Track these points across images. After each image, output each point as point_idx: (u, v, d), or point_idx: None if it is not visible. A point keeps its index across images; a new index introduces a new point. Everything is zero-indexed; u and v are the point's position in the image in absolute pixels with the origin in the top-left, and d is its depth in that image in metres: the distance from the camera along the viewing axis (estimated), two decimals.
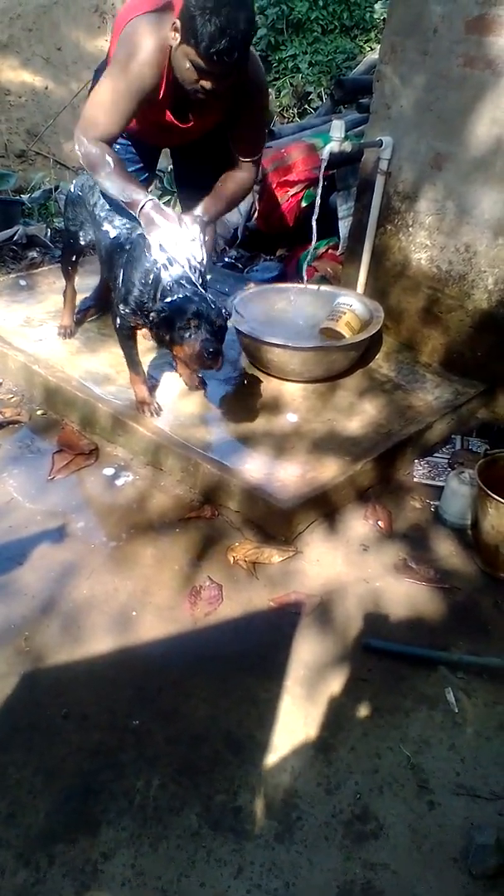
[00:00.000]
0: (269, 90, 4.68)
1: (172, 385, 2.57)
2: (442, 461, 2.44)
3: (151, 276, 2.10)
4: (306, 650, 1.75)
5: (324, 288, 2.95)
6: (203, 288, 2.09)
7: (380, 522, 2.16)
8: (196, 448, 2.25)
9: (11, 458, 2.33)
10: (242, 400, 2.57)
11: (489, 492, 1.92)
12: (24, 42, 5.97)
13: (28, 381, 2.62)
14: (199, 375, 2.54)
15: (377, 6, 6.66)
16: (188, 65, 1.99)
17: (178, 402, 2.50)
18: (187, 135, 2.38)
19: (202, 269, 2.14)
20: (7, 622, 1.76)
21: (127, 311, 2.19)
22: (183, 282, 2.06)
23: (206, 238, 2.22)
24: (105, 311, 2.87)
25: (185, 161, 2.70)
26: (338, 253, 3.51)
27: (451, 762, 1.53)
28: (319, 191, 2.74)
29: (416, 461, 2.42)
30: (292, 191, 3.74)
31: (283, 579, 1.94)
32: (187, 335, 2.00)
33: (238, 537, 2.06)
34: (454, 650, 1.78)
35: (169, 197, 4.31)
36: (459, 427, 2.57)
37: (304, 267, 3.10)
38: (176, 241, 2.08)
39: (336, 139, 2.55)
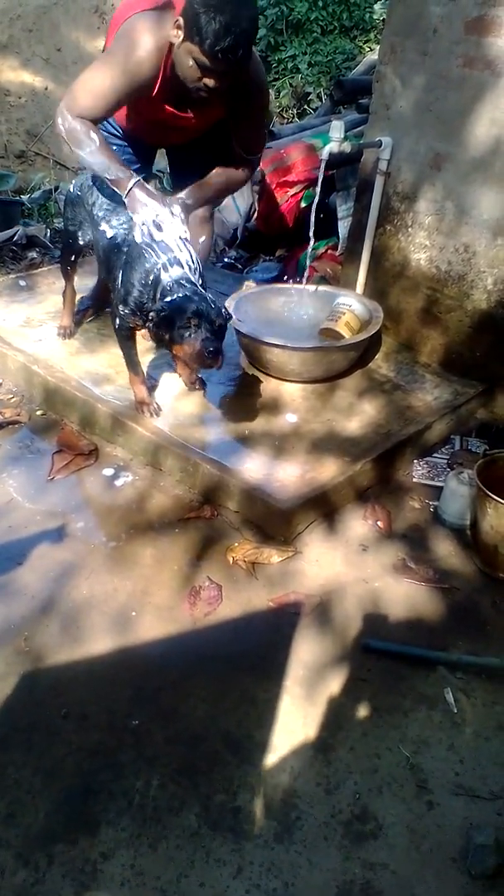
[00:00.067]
0: (269, 90, 4.67)
1: (172, 385, 2.57)
2: (441, 461, 2.44)
3: (151, 277, 2.10)
4: (305, 650, 1.75)
5: (323, 288, 2.95)
6: (202, 287, 2.09)
7: (379, 523, 2.16)
8: (195, 448, 2.25)
9: (11, 459, 2.33)
10: (242, 400, 2.57)
11: (488, 492, 1.92)
12: (24, 42, 5.98)
13: (28, 382, 2.62)
14: (199, 376, 2.55)
15: (377, 7, 6.66)
16: (191, 62, 2.00)
17: (177, 402, 2.50)
18: (185, 133, 2.38)
19: (191, 250, 2.15)
20: (7, 622, 1.76)
21: (126, 311, 2.19)
22: (183, 281, 2.06)
23: (187, 217, 2.24)
24: (103, 311, 2.88)
25: (182, 162, 2.70)
26: (337, 253, 3.51)
27: (450, 762, 1.53)
28: (318, 190, 2.74)
29: (415, 461, 2.42)
30: (292, 191, 3.74)
31: (282, 579, 1.94)
32: (187, 334, 2.00)
33: (237, 537, 2.07)
34: (453, 650, 1.78)
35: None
36: (459, 427, 2.57)
37: (307, 267, 3.10)
38: (163, 220, 2.10)
39: (335, 140, 2.55)
